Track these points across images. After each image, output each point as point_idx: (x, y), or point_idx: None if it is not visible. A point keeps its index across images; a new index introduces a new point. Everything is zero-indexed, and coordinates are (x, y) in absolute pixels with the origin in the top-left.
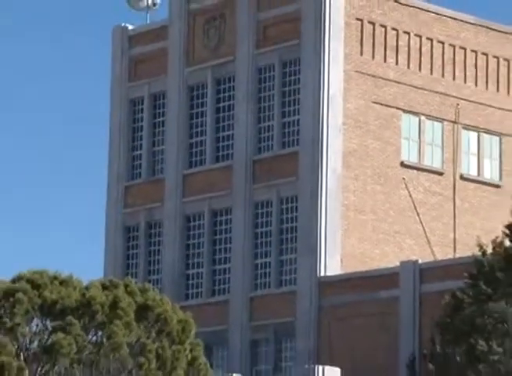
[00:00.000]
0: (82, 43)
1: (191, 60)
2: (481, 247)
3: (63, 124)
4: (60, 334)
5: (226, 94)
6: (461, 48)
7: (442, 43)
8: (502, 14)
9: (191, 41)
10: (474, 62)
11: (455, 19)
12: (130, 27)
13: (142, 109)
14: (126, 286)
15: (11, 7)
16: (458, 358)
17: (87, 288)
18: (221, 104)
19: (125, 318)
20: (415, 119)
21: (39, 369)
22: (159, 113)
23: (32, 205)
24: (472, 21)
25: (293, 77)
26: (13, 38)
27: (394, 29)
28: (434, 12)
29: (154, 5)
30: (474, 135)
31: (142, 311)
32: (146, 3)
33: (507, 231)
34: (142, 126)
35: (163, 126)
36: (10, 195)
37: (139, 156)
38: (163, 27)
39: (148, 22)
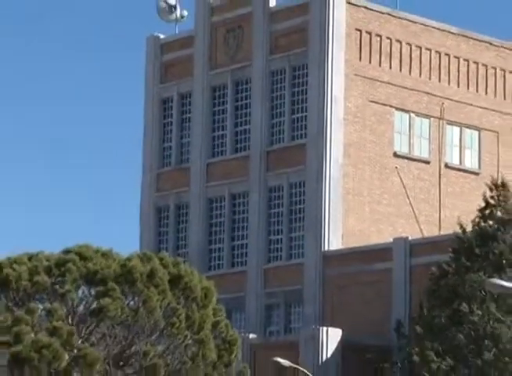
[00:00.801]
0: (120, 50)
1: (213, 65)
2: (461, 226)
3: (107, 120)
4: (108, 300)
5: (243, 94)
6: (445, 54)
7: (429, 50)
8: (482, 25)
9: (213, 49)
10: (456, 67)
11: (440, 29)
12: (161, 37)
13: (171, 107)
14: (161, 259)
15: (64, 20)
16: (443, 320)
17: (127, 260)
18: (239, 103)
19: (161, 286)
20: (406, 116)
21: (84, 330)
22: (186, 110)
23: (82, 188)
24: (455, 31)
25: (301, 80)
26: (69, 46)
27: (388, 38)
28: (422, 24)
29: (182, 17)
30: (456, 129)
31: (175, 280)
32: (174, 16)
33: (480, 214)
34: (171, 121)
35: (189, 121)
36: (63, 179)
37: (169, 147)
38: (189, 37)
39: (177, 32)
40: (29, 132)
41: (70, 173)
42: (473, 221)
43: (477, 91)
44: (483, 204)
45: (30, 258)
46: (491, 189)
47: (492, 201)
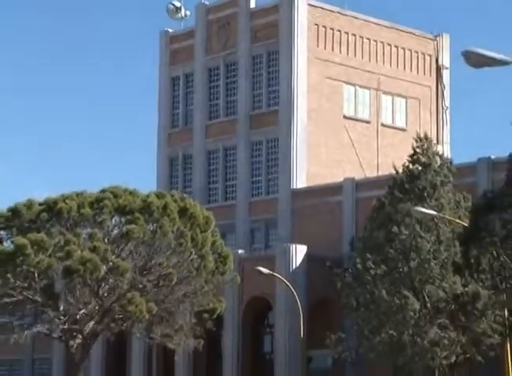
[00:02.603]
0: (140, 42)
1: (209, 52)
2: (395, 168)
3: (131, 94)
4: (133, 226)
5: (232, 73)
6: (380, 42)
7: (369, 39)
8: (408, 20)
9: (209, 40)
10: (389, 51)
11: (376, 23)
12: (170, 31)
13: (178, 83)
14: (172, 195)
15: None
16: (380, 238)
17: (147, 196)
18: (229, 80)
19: (172, 215)
20: (352, 88)
21: (116, 248)
22: (189, 85)
23: (115, 143)
24: (387, 25)
25: (274, 62)
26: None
27: (338, 31)
28: (363, 20)
29: (185, 16)
30: (389, 98)
31: (183, 211)
32: (180, 15)
33: (410, 158)
34: (178, 94)
35: (192, 94)
36: (103, 135)
37: (177, 113)
38: (191, 31)
39: (182, 27)
40: (78, 96)
41: (109, 131)
42: (403, 165)
43: (404, 69)
44: (411, 152)
45: (77, 196)
46: (416, 141)
47: (417, 150)
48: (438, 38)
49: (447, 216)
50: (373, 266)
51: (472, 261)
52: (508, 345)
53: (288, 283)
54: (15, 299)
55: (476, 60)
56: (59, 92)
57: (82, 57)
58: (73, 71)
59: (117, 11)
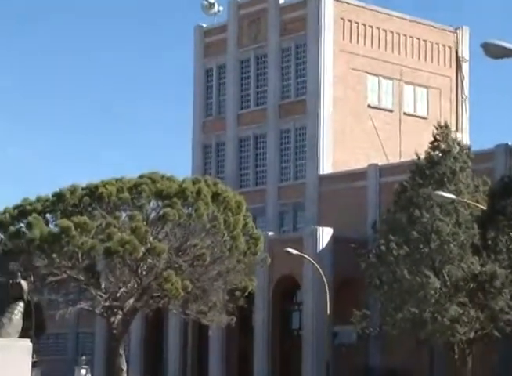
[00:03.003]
0: (177, 36)
1: (240, 45)
2: (417, 155)
3: (169, 85)
4: (170, 209)
5: (262, 65)
6: (403, 35)
7: (392, 32)
8: (428, 13)
9: (241, 34)
10: (411, 43)
11: (398, 17)
12: (204, 25)
13: (212, 74)
14: (205, 181)
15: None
16: (402, 221)
17: (183, 182)
18: (259, 71)
19: (206, 200)
20: (376, 78)
21: (154, 230)
22: (222, 76)
23: (155, 133)
24: (409, 19)
25: (302, 54)
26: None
27: (363, 24)
28: (386, 14)
29: (218, 11)
30: (411, 87)
31: (216, 195)
32: (213, 11)
33: (430, 145)
34: (212, 85)
35: (224, 84)
36: (143, 121)
37: (211, 103)
38: (224, 25)
39: (215, 22)
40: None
41: (147, 120)
42: (424, 151)
43: (425, 60)
44: (432, 139)
45: (116, 181)
46: (437, 129)
47: (437, 137)
48: (457, 31)
49: (466, 200)
50: (395, 247)
51: (489, 242)
52: None
53: (315, 263)
54: (60, 278)
55: (495, 52)
56: (102, 83)
57: (124, 53)
58: (113, 65)
59: (155, 8)
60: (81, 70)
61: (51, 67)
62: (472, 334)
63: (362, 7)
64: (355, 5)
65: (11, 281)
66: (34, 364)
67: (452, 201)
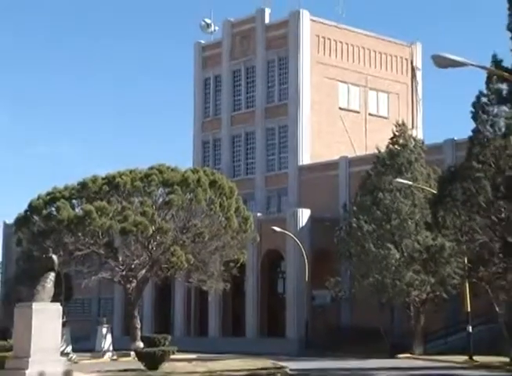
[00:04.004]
0: (179, 50)
1: (233, 58)
2: (378, 149)
3: (174, 92)
4: (174, 195)
5: (251, 74)
6: (367, 49)
7: (358, 47)
8: (388, 30)
9: (233, 48)
10: (374, 56)
11: (364, 34)
12: (202, 42)
13: (209, 83)
14: (204, 171)
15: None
16: (368, 203)
17: (185, 172)
18: (249, 80)
19: (204, 186)
20: (345, 85)
21: (162, 213)
22: (218, 85)
23: (162, 132)
24: (373, 35)
25: (284, 66)
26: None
27: (334, 40)
28: (353, 31)
29: (214, 30)
30: (374, 93)
31: (213, 183)
32: (210, 30)
33: (390, 140)
34: (209, 92)
35: (220, 91)
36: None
37: (208, 106)
38: (219, 42)
39: (211, 39)
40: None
41: (156, 122)
42: (386, 145)
43: (386, 70)
44: (392, 135)
45: (130, 172)
46: (396, 127)
47: (396, 133)
48: (412, 46)
49: (420, 185)
50: (362, 225)
51: (439, 220)
52: (466, 285)
53: (296, 239)
54: (84, 252)
55: (442, 62)
56: (122, 91)
57: (136, 66)
58: (128, 80)
59: (162, 28)
60: (106, 84)
61: (73, 84)
62: (424, 296)
63: (334, 26)
64: (328, 24)
65: (44, 255)
66: (63, 324)
67: (409, 186)
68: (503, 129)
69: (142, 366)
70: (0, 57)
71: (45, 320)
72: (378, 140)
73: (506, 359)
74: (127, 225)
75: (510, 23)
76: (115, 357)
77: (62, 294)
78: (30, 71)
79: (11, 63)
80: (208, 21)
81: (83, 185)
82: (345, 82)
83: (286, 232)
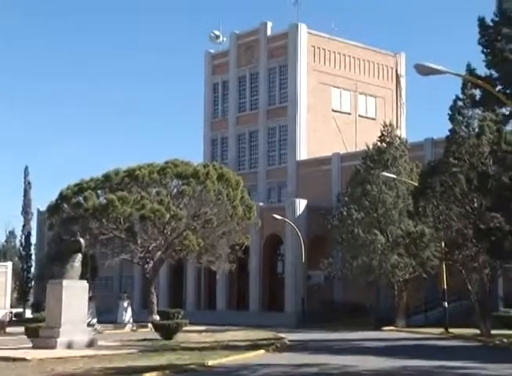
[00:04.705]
0: (191, 60)
1: (239, 65)
2: (367, 146)
3: (186, 96)
4: (186, 186)
5: (255, 80)
6: (357, 58)
7: (349, 56)
8: (374, 42)
9: (239, 57)
10: (363, 64)
11: (354, 45)
12: (212, 51)
13: (218, 88)
14: (213, 165)
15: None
16: (358, 194)
17: (196, 166)
18: (253, 85)
19: (212, 179)
20: (337, 90)
21: (176, 201)
22: (225, 89)
23: (177, 132)
24: (362, 46)
25: (284, 72)
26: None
27: (328, 50)
28: (345, 43)
29: (222, 41)
30: (363, 97)
31: (221, 176)
32: (219, 40)
33: (378, 139)
34: (218, 95)
35: (227, 94)
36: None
37: (217, 108)
38: (226, 51)
39: (220, 49)
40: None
41: (171, 122)
42: (374, 143)
43: (373, 77)
44: (379, 134)
45: (148, 166)
46: (382, 127)
47: (383, 133)
48: (397, 55)
49: (403, 179)
50: (352, 213)
51: (420, 209)
52: (443, 266)
53: (294, 225)
54: (108, 236)
55: (423, 70)
56: (141, 96)
57: (155, 75)
58: (147, 87)
59: (175, 39)
60: (129, 86)
61: (102, 90)
62: (407, 276)
63: (328, 38)
64: (322, 36)
65: (72, 239)
66: (89, 299)
67: (394, 179)
68: (477, 130)
69: (158, 337)
70: (32, 62)
71: (74, 295)
72: (367, 139)
73: (477, 331)
74: (145, 213)
75: (480, 39)
76: (134, 328)
77: (88, 272)
78: (69, 78)
79: (47, 71)
80: (217, 33)
81: (106, 177)
82: (337, 87)
83: (285, 219)
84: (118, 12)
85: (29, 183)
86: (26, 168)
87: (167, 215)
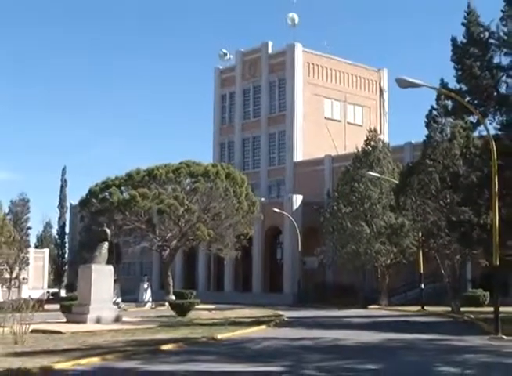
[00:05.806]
0: (202, 75)
1: (244, 79)
2: (356, 148)
3: (197, 106)
4: (198, 183)
5: (257, 91)
6: (346, 73)
7: (340, 71)
8: (360, 59)
9: (244, 72)
10: (351, 79)
11: (343, 62)
12: (220, 67)
13: (226, 99)
14: (221, 166)
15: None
16: (346, 190)
17: (206, 166)
18: (256, 96)
19: (221, 177)
20: (329, 101)
21: (189, 197)
22: (232, 100)
23: (190, 136)
24: (350, 63)
25: (283, 85)
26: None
27: (321, 66)
28: (336, 59)
29: (230, 58)
30: (352, 106)
31: (228, 175)
32: (226, 58)
33: (364, 143)
34: (225, 105)
35: (234, 104)
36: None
37: (224, 116)
38: (233, 67)
39: (227, 65)
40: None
41: (185, 128)
42: (361, 146)
43: (360, 89)
44: (365, 139)
45: (165, 166)
46: (368, 132)
47: (369, 138)
48: (380, 71)
49: (386, 177)
50: (342, 207)
51: (400, 204)
52: (420, 253)
53: (291, 218)
54: (130, 227)
55: (403, 84)
56: (160, 105)
57: (169, 87)
58: (164, 99)
59: (190, 57)
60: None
61: (122, 100)
62: (389, 261)
63: (321, 55)
64: (316, 54)
65: (100, 229)
66: (115, 281)
67: (378, 178)
68: (449, 135)
69: (173, 314)
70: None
71: (101, 278)
72: (354, 143)
73: (449, 309)
74: (162, 207)
75: (452, 56)
76: (153, 306)
77: (113, 258)
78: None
79: (86, 81)
80: (225, 51)
81: (129, 175)
82: (329, 98)
83: (284, 212)
84: (149, 34)
85: (65, 181)
86: (64, 168)
87: (182, 209)
